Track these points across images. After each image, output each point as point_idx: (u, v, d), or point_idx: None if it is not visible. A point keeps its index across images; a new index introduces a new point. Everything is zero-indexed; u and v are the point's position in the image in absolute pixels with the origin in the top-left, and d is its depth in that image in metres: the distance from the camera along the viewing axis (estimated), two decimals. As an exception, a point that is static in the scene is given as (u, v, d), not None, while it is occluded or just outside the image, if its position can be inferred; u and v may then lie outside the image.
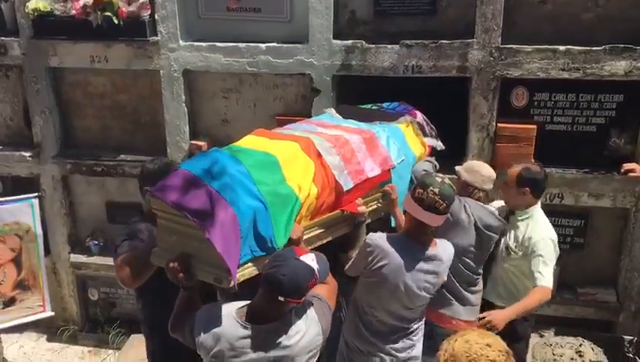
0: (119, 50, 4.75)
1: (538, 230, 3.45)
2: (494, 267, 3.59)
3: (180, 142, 4.86)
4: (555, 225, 4.46)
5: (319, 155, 3.01)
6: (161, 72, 4.75)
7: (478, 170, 3.49)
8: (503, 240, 3.51)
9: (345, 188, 3.06)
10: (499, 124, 4.30)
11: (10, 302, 4.82)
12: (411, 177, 3.51)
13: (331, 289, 2.70)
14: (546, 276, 3.33)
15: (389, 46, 4.29)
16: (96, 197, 5.34)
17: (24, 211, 4.75)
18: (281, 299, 2.30)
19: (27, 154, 5.19)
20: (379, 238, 2.97)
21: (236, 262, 2.50)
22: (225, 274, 2.49)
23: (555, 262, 3.45)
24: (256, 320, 2.40)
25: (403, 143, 3.56)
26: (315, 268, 2.36)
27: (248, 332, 2.39)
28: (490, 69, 4.19)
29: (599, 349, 4.11)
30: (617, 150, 4.26)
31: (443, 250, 3.04)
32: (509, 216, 3.55)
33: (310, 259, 2.37)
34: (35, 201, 4.80)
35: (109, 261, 5.20)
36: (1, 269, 4.78)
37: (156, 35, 4.67)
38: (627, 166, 4.12)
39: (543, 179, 3.50)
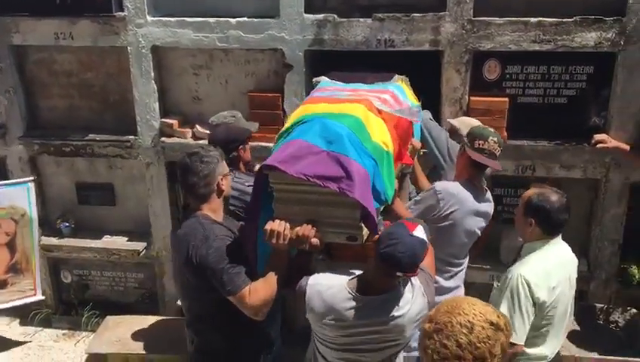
0: (84, 26, 4.62)
1: (520, 265, 2.89)
2: None
3: (150, 121, 4.77)
4: (527, 197, 4.58)
5: (380, 112, 3.01)
6: (128, 48, 4.63)
7: (470, 123, 3.78)
8: None
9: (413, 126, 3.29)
10: (471, 98, 4.31)
11: (2, 285, 4.85)
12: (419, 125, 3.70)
13: (430, 256, 2.74)
14: None
15: (361, 20, 4.25)
16: (66, 178, 5.24)
17: (20, 195, 4.79)
18: (399, 274, 2.39)
19: (-8, 135, 5.05)
20: (448, 186, 3.35)
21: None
22: (359, 231, 2.58)
23: (528, 312, 2.79)
24: (367, 292, 2.47)
25: (406, 97, 3.62)
26: (426, 240, 2.44)
27: (359, 303, 2.45)
28: (463, 41, 4.18)
29: (571, 317, 4.19)
30: (598, 130, 4.28)
31: (490, 193, 3.50)
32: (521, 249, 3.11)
33: (421, 232, 2.43)
34: (31, 185, 4.83)
35: (81, 243, 5.22)
36: None
37: (122, 10, 4.55)
38: (598, 137, 4.16)
39: (557, 209, 2.85)
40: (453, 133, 3.85)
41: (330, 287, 2.51)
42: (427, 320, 1.79)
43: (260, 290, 2.63)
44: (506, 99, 4.27)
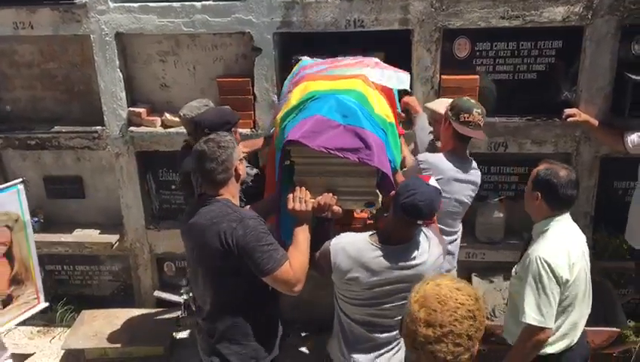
0: (44, 14, 4.48)
1: (537, 248, 2.82)
2: None
3: (117, 110, 4.66)
4: (500, 174, 4.61)
5: (376, 86, 3.13)
6: (91, 36, 4.50)
7: (446, 102, 3.81)
8: None
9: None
10: (443, 76, 4.29)
11: (8, 300, 4.43)
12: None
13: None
14: (528, 310, 2.74)
15: (329, 0, 4.19)
16: (33, 173, 5.09)
17: (11, 199, 4.37)
18: (419, 222, 2.62)
19: (-48, 131, 4.89)
20: (429, 156, 3.45)
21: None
22: (376, 197, 2.83)
23: (554, 294, 2.74)
24: (389, 243, 2.68)
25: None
26: (440, 188, 2.65)
27: (384, 252, 2.66)
28: (432, 20, 4.16)
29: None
30: (568, 104, 4.30)
31: (476, 164, 3.57)
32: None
33: (434, 182, 2.65)
34: (21, 187, 4.46)
35: (52, 237, 5.10)
36: None
37: (83, -4, 4.42)
38: (568, 111, 4.19)
39: (565, 184, 2.80)
40: (435, 118, 3.79)
41: (353, 243, 2.70)
42: (424, 324, 1.75)
43: (297, 261, 2.69)
44: (477, 76, 4.27)
